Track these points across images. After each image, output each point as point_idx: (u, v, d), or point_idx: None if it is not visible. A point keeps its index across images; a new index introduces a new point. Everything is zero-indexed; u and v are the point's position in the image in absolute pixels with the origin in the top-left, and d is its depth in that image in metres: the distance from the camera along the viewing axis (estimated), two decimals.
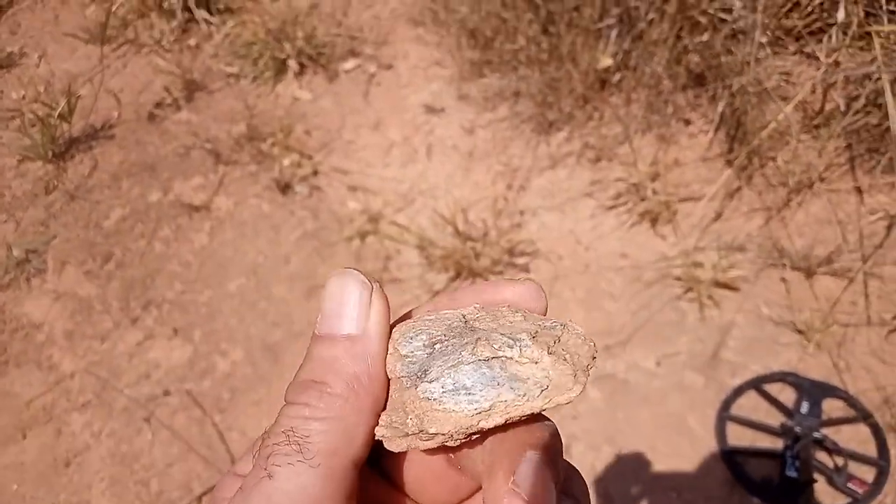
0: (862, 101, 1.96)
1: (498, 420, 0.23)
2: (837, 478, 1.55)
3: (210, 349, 1.99)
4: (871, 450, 1.62)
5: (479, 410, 0.23)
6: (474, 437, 0.25)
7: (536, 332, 0.25)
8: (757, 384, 1.71)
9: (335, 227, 2.22)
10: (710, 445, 1.64)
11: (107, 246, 2.20)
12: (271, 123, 2.44)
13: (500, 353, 0.24)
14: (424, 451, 0.26)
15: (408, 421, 0.25)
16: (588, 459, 1.65)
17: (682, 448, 1.64)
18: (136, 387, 1.92)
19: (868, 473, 1.59)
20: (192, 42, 2.75)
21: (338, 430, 0.25)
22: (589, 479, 1.62)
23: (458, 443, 0.25)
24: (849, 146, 2.05)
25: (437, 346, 0.25)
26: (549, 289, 1.98)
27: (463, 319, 0.26)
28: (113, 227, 2.25)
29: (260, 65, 2.59)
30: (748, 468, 1.60)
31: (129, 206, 2.30)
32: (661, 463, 1.62)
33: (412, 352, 0.25)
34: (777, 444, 1.63)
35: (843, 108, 2.03)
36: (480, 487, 0.29)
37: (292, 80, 2.60)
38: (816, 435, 1.59)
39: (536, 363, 0.24)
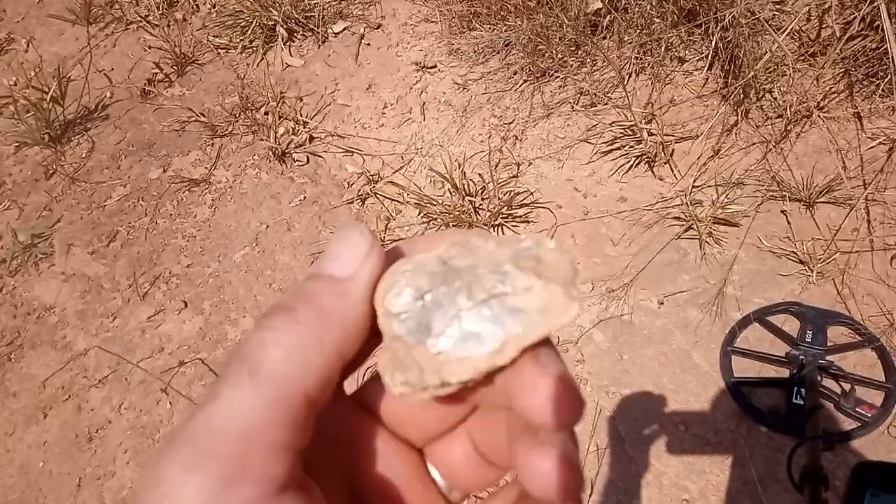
0: (858, 24, 1.92)
1: (512, 354, 0.24)
2: (845, 403, 1.56)
3: (220, 319, 2.02)
4: (878, 374, 1.62)
5: (492, 351, 0.24)
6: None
7: (516, 257, 0.25)
8: (760, 316, 1.72)
9: (335, 192, 2.23)
10: (716, 379, 1.66)
11: (111, 225, 2.22)
12: (264, 92, 2.43)
13: (494, 292, 0.24)
14: (445, 397, 0.26)
15: (425, 377, 0.25)
16: (596, 401, 1.67)
17: (688, 384, 1.66)
18: (151, 360, 1.96)
19: (876, 397, 1.59)
20: (178, 15, 2.73)
21: (293, 357, 0.24)
22: (598, 420, 1.64)
23: (475, 384, 0.26)
24: (846, 72, 2.01)
25: (428, 297, 0.25)
26: (550, 237, 1.98)
27: (440, 261, 0.27)
28: (115, 206, 2.27)
29: (248, 34, 2.57)
30: (755, 399, 1.61)
31: (130, 184, 2.32)
32: (669, 399, 1.64)
33: (404, 309, 0.25)
34: (783, 373, 1.64)
35: (838, 33, 1.99)
36: (467, 416, 0.30)
37: (282, 46, 2.58)
38: (822, 362, 1.60)
39: (530, 290, 0.24)
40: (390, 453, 0.30)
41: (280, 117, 2.34)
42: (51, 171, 2.36)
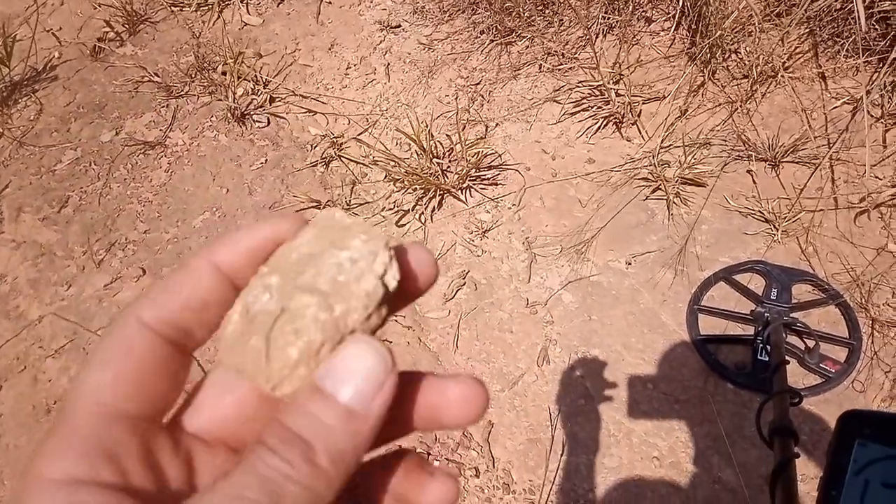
0: None
1: None
2: (809, 359, 1.58)
3: None
4: (841, 330, 1.64)
5: None
6: None
7: None
8: (726, 275, 1.72)
9: (298, 154, 2.17)
10: (683, 338, 1.66)
11: (62, 190, 2.13)
12: (221, 52, 2.34)
13: None
14: None
15: None
16: (565, 361, 1.67)
17: (656, 342, 1.67)
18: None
19: (840, 353, 1.62)
20: None
21: None
22: (567, 379, 1.64)
23: None
24: (811, 32, 2.01)
25: None
26: (518, 199, 1.96)
27: None
28: (66, 170, 2.17)
29: None
30: (721, 356, 1.63)
31: (81, 148, 2.22)
32: (637, 358, 1.65)
33: None
34: (749, 330, 1.66)
35: None
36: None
37: (238, 4, 2.48)
38: (787, 319, 1.61)
39: None
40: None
41: (239, 77, 2.26)
42: None
